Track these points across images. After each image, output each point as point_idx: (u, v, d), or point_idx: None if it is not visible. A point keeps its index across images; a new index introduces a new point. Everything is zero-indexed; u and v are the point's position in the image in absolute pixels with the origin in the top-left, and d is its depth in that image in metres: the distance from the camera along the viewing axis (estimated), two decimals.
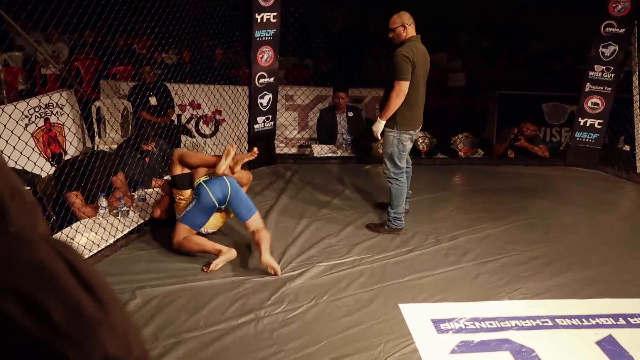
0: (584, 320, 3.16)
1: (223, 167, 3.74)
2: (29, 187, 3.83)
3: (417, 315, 3.15)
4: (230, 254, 3.60)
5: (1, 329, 0.32)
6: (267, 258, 3.55)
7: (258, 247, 3.61)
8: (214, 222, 3.91)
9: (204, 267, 3.57)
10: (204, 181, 3.77)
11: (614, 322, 3.15)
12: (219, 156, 3.84)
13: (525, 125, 6.18)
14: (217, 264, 3.56)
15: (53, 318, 0.33)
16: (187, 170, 3.88)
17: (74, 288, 0.35)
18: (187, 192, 3.87)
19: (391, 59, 3.99)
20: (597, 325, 3.11)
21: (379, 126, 4.06)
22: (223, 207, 3.82)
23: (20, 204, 0.39)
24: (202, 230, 3.86)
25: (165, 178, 4.59)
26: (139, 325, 2.74)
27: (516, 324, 3.09)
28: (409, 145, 4.13)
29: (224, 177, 3.80)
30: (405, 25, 4.00)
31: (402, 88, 3.90)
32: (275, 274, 3.52)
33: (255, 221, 3.76)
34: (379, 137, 4.18)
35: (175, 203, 3.94)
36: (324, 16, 6.75)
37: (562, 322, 3.13)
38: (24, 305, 0.33)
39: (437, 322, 3.08)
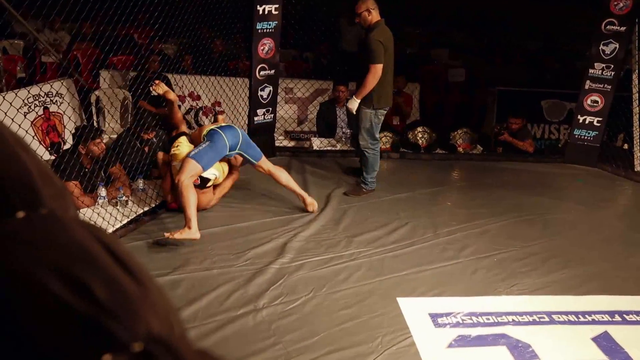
0: (580, 316, 3.18)
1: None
2: None
3: (414, 309, 3.16)
4: (194, 235, 3.63)
5: (47, 306, 0.32)
6: (307, 197, 4.33)
7: (288, 187, 4.32)
8: (218, 167, 4.09)
9: (165, 234, 3.61)
10: (217, 127, 4.06)
11: (610, 319, 3.17)
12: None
13: (510, 119, 6.19)
14: (176, 234, 3.57)
15: (96, 295, 0.33)
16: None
17: (113, 267, 0.36)
18: (182, 139, 4.16)
19: (365, 43, 4.44)
20: (593, 322, 3.14)
21: (355, 104, 4.54)
22: (233, 152, 4.09)
23: (51, 187, 0.40)
24: (207, 175, 4.01)
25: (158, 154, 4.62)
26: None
27: (513, 319, 3.11)
28: (381, 120, 4.71)
29: (233, 125, 4.23)
30: (370, 10, 4.43)
31: (378, 70, 4.39)
32: (313, 211, 4.27)
33: (266, 161, 4.26)
34: (354, 112, 4.63)
35: (173, 158, 4.11)
36: (326, 9, 6.72)
37: (559, 318, 3.15)
38: (67, 283, 0.33)
39: (434, 316, 3.10)
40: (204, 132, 4.08)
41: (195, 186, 3.97)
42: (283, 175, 4.35)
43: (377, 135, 4.73)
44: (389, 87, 4.63)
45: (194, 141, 4.16)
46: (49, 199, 0.38)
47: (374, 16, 4.45)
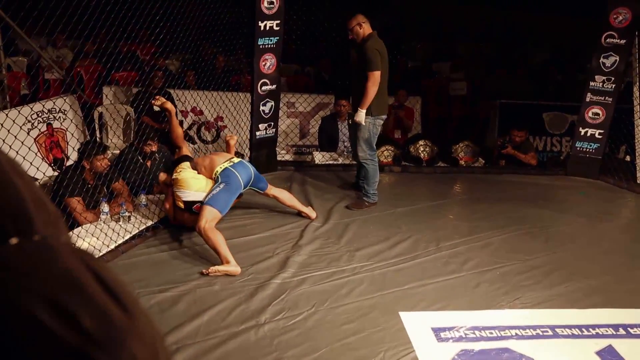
0: (584, 330, 3.16)
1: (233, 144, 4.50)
2: None
3: (417, 324, 3.15)
4: (234, 269, 3.59)
5: (35, 336, 0.33)
6: (308, 210, 4.49)
7: (292, 207, 4.48)
8: (204, 186, 4.03)
9: (204, 270, 3.58)
10: (230, 166, 4.03)
11: (614, 332, 3.15)
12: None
13: (514, 132, 6.20)
14: (217, 269, 3.56)
15: (83, 325, 0.34)
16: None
17: (101, 296, 0.37)
18: (185, 165, 4.14)
19: (362, 53, 4.52)
20: (597, 335, 3.11)
21: (362, 115, 4.58)
22: (245, 189, 4.13)
23: (44, 212, 0.40)
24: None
25: (160, 175, 4.63)
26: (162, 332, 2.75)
27: (516, 333, 3.09)
28: (379, 129, 4.78)
29: (244, 161, 4.22)
30: (361, 24, 4.56)
31: (377, 77, 4.47)
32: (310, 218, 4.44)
33: (271, 188, 4.39)
34: (364, 124, 4.63)
35: (174, 183, 4.07)
36: (327, 25, 6.78)
37: (562, 331, 3.13)
38: (56, 313, 0.34)
39: (437, 331, 3.09)
40: (217, 170, 4.02)
41: (197, 214, 3.95)
42: (286, 196, 4.50)
43: (374, 146, 4.79)
44: (385, 95, 4.72)
45: (199, 170, 4.11)
46: (42, 226, 0.39)
47: (366, 29, 4.57)
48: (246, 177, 4.06)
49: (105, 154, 4.32)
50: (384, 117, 4.79)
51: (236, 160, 4.18)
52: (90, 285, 0.37)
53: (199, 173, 4.11)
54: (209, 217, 3.71)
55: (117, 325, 0.35)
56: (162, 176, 4.59)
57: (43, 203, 0.41)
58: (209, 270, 3.55)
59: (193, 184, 4.01)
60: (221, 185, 3.90)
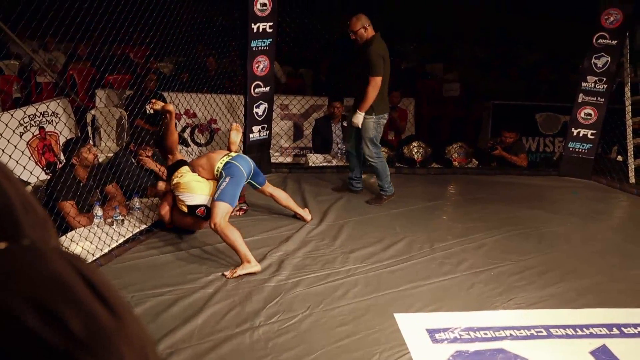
0: (578, 330, 3.17)
1: (237, 140, 4.46)
2: None
3: (412, 325, 3.15)
4: (255, 268, 3.61)
5: (22, 340, 0.33)
6: (304, 212, 4.49)
7: (288, 207, 4.48)
8: (207, 189, 3.99)
9: (225, 273, 3.57)
10: (230, 159, 4.01)
11: (608, 332, 3.16)
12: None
13: (505, 132, 6.22)
14: (237, 272, 3.57)
15: (71, 328, 0.34)
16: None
17: (89, 299, 0.37)
18: (184, 169, 4.09)
19: (365, 56, 4.57)
20: (591, 335, 3.13)
21: (360, 117, 4.68)
22: (246, 181, 4.09)
23: (32, 216, 0.40)
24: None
25: (159, 184, 4.63)
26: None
27: (511, 334, 3.10)
28: (382, 128, 4.89)
29: (241, 154, 4.21)
30: (365, 27, 4.61)
31: (378, 82, 4.57)
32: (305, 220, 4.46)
33: (268, 185, 4.41)
34: (360, 126, 4.74)
35: (176, 187, 4.03)
36: (321, 27, 6.79)
37: (557, 331, 3.14)
38: (42, 316, 0.34)
39: (432, 332, 3.09)
40: (218, 165, 3.98)
41: (200, 217, 3.98)
42: (282, 195, 4.49)
43: (379, 144, 4.91)
44: (386, 95, 4.82)
45: (198, 171, 4.07)
46: (30, 230, 0.39)
47: (370, 32, 4.62)
48: (247, 168, 4.05)
49: (90, 144, 4.31)
50: (386, 115, 4.89)
51: (234, 153, 4.16)
52: (78, 289, 0.37)
53: (199, 175, 4.08)
54: (222, 213, 3.68)
55: (105, 328, 0.35)
56: (162, 185, 4.57)
57: (31, 206, 0.41)
58: (231, 274, 3.55)
59: (197, 187, 3.98)
60: (227, 179, 3.85)
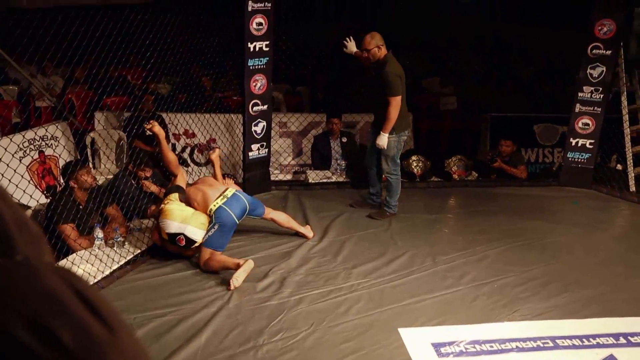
0: (584, 340, 3.14)
1: (220, 176, 4.55)
2: None
3: (417, 340, 3.13)
4: (248, 264, 3.71)
5: (15, 355, 0.32)
6: (305, 230, 4.50)
7: (290, 229, 4.49)
8: (203, 228, 4.00)
9: (228, 287, 3.60)
10: (223, 203, 4.03)
11: (615, 342, 3.14)
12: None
13: (503, 143, 6.23)
14: (237, 278, 3.61)
15: (63, 342, 0.34)
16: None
17: (82, 313, 0.36)
18: (173, 196, 4.13)
19: (381, 77, 4.62)
20: (598, 345, 3.10)
21: (384, 139, 4.73)
22: (240, 220, 4.13)
23: (26, 234, 0.40)
24: (192, 237, 3.95)
25: (151, 208, 4.63)
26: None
27: (517, 346, 3.07)
28: (403, 145, 4.98)
29: (237, 193, 4.17)
30: (380, 46, 4.67)
31: (398, 102, 4.63)
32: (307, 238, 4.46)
33: (269, 212, 4.42)
34: (385, 148, 4.78)
35: (160, 213, 4.05)
36: (316, 37, 6.83)
37: (563, 342, 3.12)
38: (35, 330, 0.33)
39: (437, 346, 3.07)
40: (212, 207, 4.01)
41: (181, 246, 4.00)
42: (283, 218, 4.52)
43: (398, 161, 4.97)
44: (406, 113, 4.88)
45: (193, 205, 4.09)
46: (24, 246, 0.39)
47: (383, 51, 4.69)
48: (240, 212, 4.07)
49: (88, 167, 4.32)
50: (407, 132, 4.99)
51: (230, 193, 4.11)
52: (71, 303, 0.36)
53: (194, 208, 4.08)
54: (204, 256, 3.90)
55: (97, 341, 0.35)
56: (153, 208, 4.58)
57: (25, 224, 0.41)
58: (233, 285, 3.60)
59: (177, 215, 3.97)
60: (215, 227, 3.95)
